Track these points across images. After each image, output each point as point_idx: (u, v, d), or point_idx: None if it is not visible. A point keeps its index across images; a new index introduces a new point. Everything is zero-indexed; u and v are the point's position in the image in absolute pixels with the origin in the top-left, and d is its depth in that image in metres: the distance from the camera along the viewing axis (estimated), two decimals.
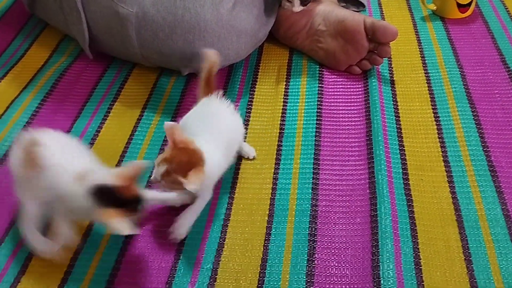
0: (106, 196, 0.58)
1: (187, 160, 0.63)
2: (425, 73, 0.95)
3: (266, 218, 0.72)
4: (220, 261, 0.67)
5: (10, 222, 0.73)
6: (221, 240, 0.70)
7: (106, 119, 0.90)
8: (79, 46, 1.05)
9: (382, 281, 0.63)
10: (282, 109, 0.90)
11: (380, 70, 0.96)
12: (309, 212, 0.73)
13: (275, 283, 0.65)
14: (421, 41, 1.03)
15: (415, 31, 1.06)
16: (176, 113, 0.90)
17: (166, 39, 0.86)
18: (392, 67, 0.97)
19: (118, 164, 0.81)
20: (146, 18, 0.85)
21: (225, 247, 0.69)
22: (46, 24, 1.15)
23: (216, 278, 0.66)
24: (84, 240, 0.71)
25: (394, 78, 0.94)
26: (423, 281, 0.64)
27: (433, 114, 0.87)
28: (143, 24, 0.86)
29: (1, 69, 1.03)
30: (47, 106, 0.93)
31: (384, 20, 1.08)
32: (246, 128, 0.86)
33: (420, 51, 1.00)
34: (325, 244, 0.69)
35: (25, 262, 0.68)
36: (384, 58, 0.93)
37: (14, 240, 0.71)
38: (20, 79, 1.00)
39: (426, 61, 0.98)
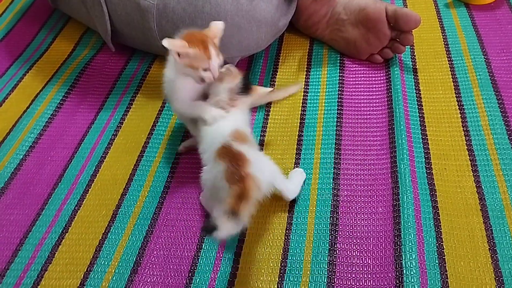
0: None
1: None
2: (448, 60, 0.93)
3: (287, 208, 0.73)
4: (241, 250, 0.68)
5: (38, 209, 0.76)
6: (242, 229, 0.70)
7: (129, 111, 0.91)
8: (101, 39, 1.07)
9: (404, 271, 0.62)
10: (303, 99, 0.90)
11: (402, 58, 0.94)
12: (330, 202, 0.72)
13: (297, 272, 0.65)
14: (445, 28, 1.01)
15: (439, 18, 1.04)
16: None
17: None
18: (414, 55, 0.95)
19: (141, 155, 0.82)
20: (167, 9, 0.86)
21: (247, 236, 0.70)
22: (68, 18, 1.16)
23: (238, 267, 0.66)
24: (109, 228, 0.72)
25: (417, 66, 0.93)
26: (446, 271, 0.63)
27: (456, 102, 0.85)
28: (164, 15, 0.87)
29: (25, 63, 1.05)
30: (71, 99, 0.95)
31: (406, 7, 1.06)
32: (267, 119, 0.86)
33: (443, 38, 0.98)
34: (347, 233, 0.68)
35: (52, 251, 0.70)
36: (406, 46, 0.91)
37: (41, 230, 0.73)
38: (44, 73, 1.02)
39: (449, 49, 0.96)
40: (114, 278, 0.66)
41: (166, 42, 0.65)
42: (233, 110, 0.69)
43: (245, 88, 0.70)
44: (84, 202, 0.76)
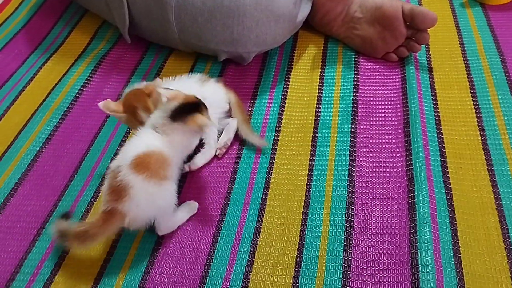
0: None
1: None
2: (464, 60, 0.93)
3: (302, 204, 0.73)
4: (257, 244, 0.68)
5: (55, 201, 0.76)
6: (257, 224, 0.71)
7: None
8: (118, 32, 1.07)
9: (420, 268, 0.62)
10: (318, 96, 0.90)
11: (417, 57, 0.94)
12: (345, 199, 0.73)
13: (312, 267, 0.65)
14: (460, 27, 1.01)
15: (454, 18, 1.03)
16: None
17: (205, 24, 0.87)
18: (430, 54, 0.95)
19: None
20: (186, 2, 0.86)
21: (262, 231, 0.70)
22: (84, 11, 1.17)
23: (253, 261, 0.67)
24: (123, 227, 0.72)
25: (432, 66, 0.93)
26: (462, 269, 0.63)
27: (472, 102, 0.85)
28: (183, 8, 0.87)
29: (42, 56, 1.05)
30: (87, 92, 0.95)
31: (421, 6, 1.06)
32: (282, 115, 0.86)
33: (459, 38, 0.98)
34: (362, 230, 0.69)
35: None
36: (422, 45, 0.91)
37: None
38: (61, 65, 1.02)
39: (465, 48, 0.95)
40: (131, 270, 0.67)
41: (101, 105, 0.71)
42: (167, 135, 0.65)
43: (179, 115, 0.65)
44: (100, 194, 0.77)
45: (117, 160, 0.64)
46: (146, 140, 0.65)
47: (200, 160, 0.79)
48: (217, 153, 0.80)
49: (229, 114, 0.83)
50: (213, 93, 0.81)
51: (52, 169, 0.81)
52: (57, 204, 0.76)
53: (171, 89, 0.68)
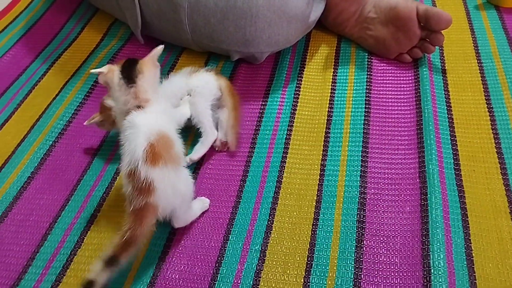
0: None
1: None
2: (478, 62, 0.93)
3: (314, 203, 0.73)
4: (268, 243, 0.68)
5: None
6: (269, 223, 0.71)
7: None
8: (130, 30, 1.08)
9: (432, 270, 0.62)
10: (330, 96, 0.90)
11: (431, 58, 0.94)
12: (357, 200, 0.73)
13: (323, 267, 0.65)
14: (475, 30, 1.00)
15: (468, 20, 1.03)
16: None
17: (217, 25, 0.87)
18: (443, 56, 0.95)
19: None
20: (199, 3, 0.86)
21: (273, 230, 0.70)
22: (96, 8, 1.18)
23: (264, 259, 0.67)
24: None
25: (446, 67, 0.92)
26: (474, 272, 0.63)
27: (486, 105, 0.84)
28: (196, 9, 0.87)
29: (55, 51, 1.06)
30: (99, 87, 0.96)
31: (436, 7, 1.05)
32: (294, 114, 0.86)
33: (473, 40, 0.98)
34: (374, 231, 0.68)
35: (81, 236, 0.71)
36: (436, 47, 0.91)
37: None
38: (73, 62, 1.03)
39: (479, 51, 0.95)
40: (142, 266, 0.67)
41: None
42: (148, 109, 0.64)
43: (129, 76, 0.65)
44: (112, 189, 0.77)
45: (127, 159, 0.62)
46: (138, 128, 0.62)
47: (200, 149, 0.79)
48: (216, 149, 0.81)
49: (222, 102, 0.82)
50: (203, 81, 0.81)
51: (64, 164, 0.82)
52: (69, 199, 0.76)
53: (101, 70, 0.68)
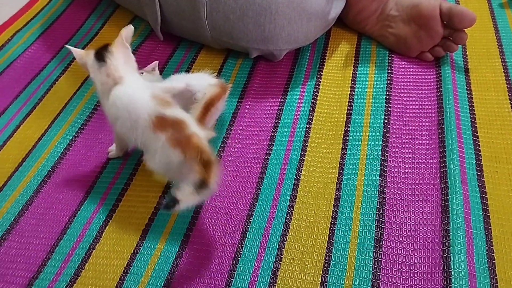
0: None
1: None
2: (502, 61, 0.91)
3: (332, 202, 0.72)
4: (285, 241, 0.68)
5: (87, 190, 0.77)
6: (286, 220, 0.70)
7: None
8: (149, 27, 1.08)
9: (453, 272, 0.61)
10: (350, 94, 0.89)
11: (453, 57, 0.92)
12: (376, 199, 0.72)
13: (341, 267, 0.64)
14: (499, 28, 0.98)
15: (492, 18, 1.01)
16: (243, 95, 0.91)
17: (237, 22, 0.87)
18: (466, 55, 0.93)
19: None
20: (218, 0, 0.86)
21: (291, 228, 0.70)
22: (117, 5, 1.18)
23: (281, 257, 0.66)
24: (155, 213, 0.73)
25: (469, 66, 0.91)
26: (496, 275, 0.62)
27: (510, 104, 0.83)
28: (215, 6, 0.87)
29: (76, 46, 1.04)
30: None
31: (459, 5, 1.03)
32: (313, 112, 0.86)
33: (497, 38, 0.96)
34: (393, 231, 0.68)
35: (100, 230, 0.72)
36: (459, 45, 0.89)
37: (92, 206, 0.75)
38: None
39: (503, 49, 0.93)
40: (159, 261, 0.67)
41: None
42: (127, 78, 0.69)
43: (100, 57, 0.70)
44: (131, 184, 0.77)
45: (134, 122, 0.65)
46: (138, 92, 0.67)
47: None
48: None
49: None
50: (198, 75, 0.79)
51: (84, 159, 0.82)
52: (89, 193, 0.77)
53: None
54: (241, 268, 0.65)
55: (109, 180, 0.78)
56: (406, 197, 0.71)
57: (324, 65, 0.95)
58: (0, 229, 0.73)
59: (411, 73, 0.91)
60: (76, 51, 0.73)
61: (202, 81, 0.76)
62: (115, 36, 1.08)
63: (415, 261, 0.64)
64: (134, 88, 0.68)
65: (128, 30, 0.74)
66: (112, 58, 0.70)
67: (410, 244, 0.66)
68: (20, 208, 0.76)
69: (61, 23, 1.15)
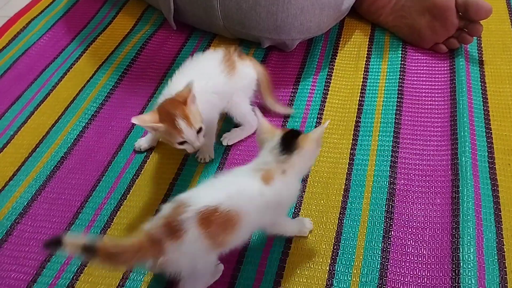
0: None
1: None
2: None
3: (342, 192, 0.72)
4: None
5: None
6: (296, 210, 0.71)
7: None
8: (162, 16, 1.09)
9: (461, 264, 0.61)
10: (362, 85, 0.88)
11: (468, 49, 0.91)
12: (386, 190, 0.72)
13: (350, 256, 0.65)
14: None
15: (509, 10, 0.99)
16: None
17: (249, 11, 0.87)
18: (481, 47, 0.92)
19: None
20: None
21: (300, 216, 0.70)
22: None
23: (290, 246, 0.66)
24: (166, 199, 0.74)
25: (483, 58, 0.90)
26: (505, 267, 0.61)
27: None
28: None
29: (88, 36, 1.08)
30: (132, 72, 0.97)
31: None
32: (324, 102, 0.85)
33: None
34: (402, 222, 0.67)
35: (111, 216, 0.73)
36: (474, 37, 0.88)
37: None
38: (107, 46, 1.04)
39: None
40: None
41: (135, 120, 0.65)
42: None
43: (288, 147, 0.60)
44: (142, 171, 0.78)
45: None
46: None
47: (239, 134, 0.81)
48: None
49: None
50: (245, 76, 0.78)
51: (96, 145, 0.83)
52: (100, 179, 0.78)
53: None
54: (249, 256, 0.66)
55: (120, 167, 0.79)
56: (417, 188, 0.71)
57: (336, 56, 0.95)
58: (13, 213, 0.74)
59: (425, 64, 0.90)
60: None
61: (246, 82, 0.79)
62: (128, 25, 1.09)
63: (424, 252, 0.64)
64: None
65: (326, 126, 0.62)
66: (299, 154, 0.59)
67: (419, 235, 0.66)
68: (33, 192, 0.77)
69: (75, 12, 1.16)
